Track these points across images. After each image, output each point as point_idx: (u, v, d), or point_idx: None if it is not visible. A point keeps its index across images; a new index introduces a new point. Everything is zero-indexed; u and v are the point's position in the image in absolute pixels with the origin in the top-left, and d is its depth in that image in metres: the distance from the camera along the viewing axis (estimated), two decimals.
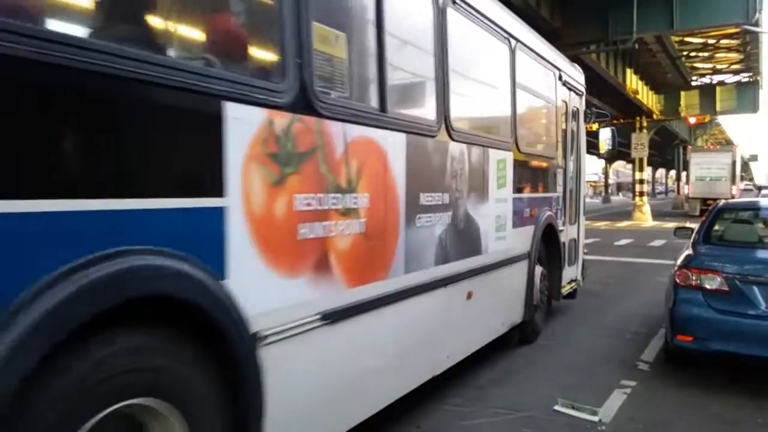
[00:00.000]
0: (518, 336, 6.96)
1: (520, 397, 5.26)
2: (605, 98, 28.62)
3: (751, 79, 35.29)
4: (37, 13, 2.18)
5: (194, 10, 2.86)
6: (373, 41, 3.75)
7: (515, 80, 6.18)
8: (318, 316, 3.21)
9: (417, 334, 4.38)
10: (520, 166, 6.26)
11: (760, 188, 48.09)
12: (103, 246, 2.12)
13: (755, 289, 5.44)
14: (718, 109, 35.03)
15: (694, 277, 5.69)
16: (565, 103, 8.17)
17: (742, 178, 47.10)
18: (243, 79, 2.78)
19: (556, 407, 5.02)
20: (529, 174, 6.76)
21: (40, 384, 1.96)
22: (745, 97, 34.51)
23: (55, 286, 1.96)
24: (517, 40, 6.22)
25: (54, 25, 2.25)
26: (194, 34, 2.90)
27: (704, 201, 30.77)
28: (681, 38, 28.06)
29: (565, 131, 8.16)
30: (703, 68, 35.77)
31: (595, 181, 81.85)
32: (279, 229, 2.96)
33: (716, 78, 37.18)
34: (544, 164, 7.36)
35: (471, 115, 5.59)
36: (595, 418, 4.81)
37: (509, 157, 6.00)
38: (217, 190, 2.59)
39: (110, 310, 2.12)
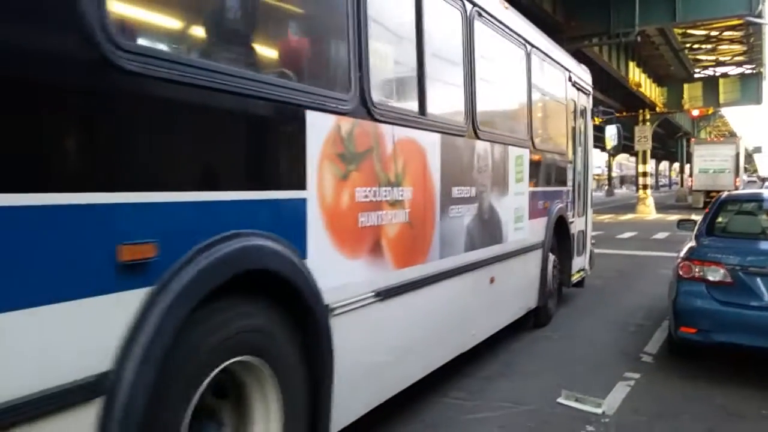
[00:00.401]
0: (533, 320, 7.36)
1: (524, 390, 5.25)
2: (608, 91, 28.52)
3: (754, 71, 35.09)
4: (187, 47, 2.85)
5: (281, 38, 3.49)
6: (413, 54, 4.30)
7: (531, 82, 6.71)
8: (372, 293, 3.71)
9: (448, 313, 4.88)
10: (535, 161, 6.78)
11: (763, 180, 47.98)
12: (223, 229, 2.60)
13: (758, 280, 5.41)
14: (721, 101, 34.88)
15: (697, 269, 5.68)
16: (574, 102, 8.66)
17: (746, 170, 47.00)
18: (319, 91, 3.30)
19: (560, 400, 5.01)
20: (543, 169, 7.22)
21: (186, 334, 2.40)
22: (748, 88, 34.33)
23: (194, 259, 2.43)
24: (532, 46, 6.74)
25: (197, 55, 2.82)
26: (284, 56, 3.43)
27: (707, 193, 30.64)
28: (684, 30, 27.89)
29: (574, 128, 8.62)
30: (707, 60, 35.59)
31: (598, 174, 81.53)
32: (344, 217, 3.47)
33: (719, 70, 36.99)
34: (556, 160, 7.82)
35: (493, 116, 6.04)
36: (599, 411, 4.80)
37: (526, 153, 6.50)
38: (301, 184, 3.11)
39: (231, 279, 2.59)
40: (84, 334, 2.07)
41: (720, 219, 6.72)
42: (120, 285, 2.17)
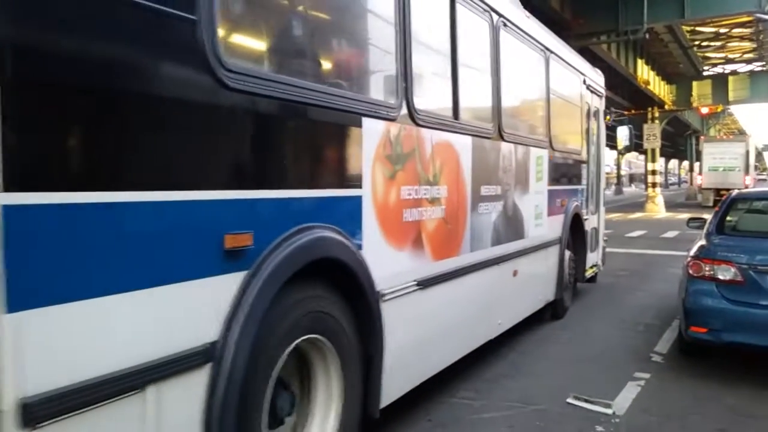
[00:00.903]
0: (550, 312, 7.71)
1: (533, 390, 5.24)
2: (616, 89, 28.43)
3: (764, 68, 34.96)
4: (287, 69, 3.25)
5: (343, 55, 3.88)
6: (448, 63, 4.72)
7: (549, 87, 7.12)
8: (415, 282, 4.12)
9: (477, 303, 5.31)
10: (553, 161, 7.20)
11: None
12: (300, 222, 3.03)
13: None
14: (730, 98, 34.66)
15: (707, 268, 5.64)
16: (588, 104, 9.05)
17: (756, 168, 46.69)
18: (373, 99, 3.81)
19: (570, 400, 4.99)
20: (560, 169, 7.65)
21: (272, 313, 2.81)
22: (758, 86, 34.07)
23: (279, 247, 2.86)
24: (552, 52, 7.16)
25: (281, 73, 3.14)
26: (347, 70, 3.86)
27: (717, 191, 30.46)
28: (692, 28, 27.80)
29: (588, 129, 9.03)
30: (716, 58, 35.44)
31: (607, 173, 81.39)
32: (392, 213, 3.88)
33: (729, 67, 36.83)
34: (572, 160, 8.26)
35: (517, 119, 6.48)
36: (609, 411, 4.78)
37: (545, 154, 6.93)
38: (358, 183, 3.52)
39: (305, 266, 3.00)
40: (199, 309, 2.49)
41: (730, 217, 6.68)
42: (225, 268, 2.60)
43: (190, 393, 2.46)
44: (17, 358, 1.86)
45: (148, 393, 2.24)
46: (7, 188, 1.81)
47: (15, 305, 1.84)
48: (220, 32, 2.56)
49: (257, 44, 3.18)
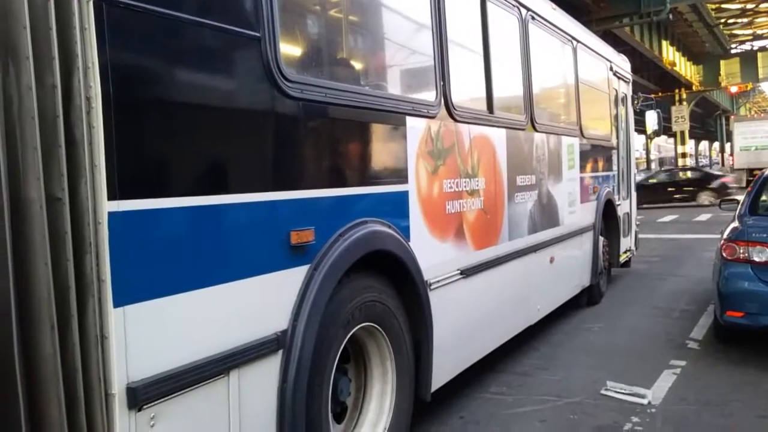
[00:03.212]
0: (587, 297, 7.83)
1: (566, 383, 5.16)
2: (642, 72, 28.06)
3: None
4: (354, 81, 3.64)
5: (386, 56, 4.20)
6: (481, 60, 4.89)
7: (577, 75, 7.28)
8: (458, 271, 4.33)
9: (517, 290, 5.51)
10: (584, 149, 7.36)
11: None
12: (354, 217, 3.26)
13: None
14: (760, 75, 33.98)
15: (741, 250, 5.51)
16: (616, 90, 9.13)
17: None
18: (414, 99, 4.04)
19: (604, 391, 4.90)
20: (591, 156, 7.79)
21: (332, 304, 3.04)
22: None
23: (337, 242, 3.08)
24: (578, 41, 7.34)
25: (336, 80, 3.38)
26: (392, 74, 4.26)
27: (750, 171, 29.87)
28: (717, 5, 27.33)
29: (616, 115, 9.13)
30: (743, 35, 34.80)
31: (636, 158, 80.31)
32: (435, 206, 4.08)
33: (757, 44, 36.13)
34: (602, 146, 8.38)
35: (547, 109, 6.66)
36: (645, 401, 4.69)
37: (576, 142, 7.08)
38: (405, 179, 3.74)
39: (362, 257, 3.23)
40: (271, 301, 2.73)
41: (764, 197, 6.50)
42: (291, 262, 2.83)
43: (265, 378, 2.70)
44: (123, 347, 2.09)
45: (231, 377, 2.49)
46: (111, 197, 2.04)
47: (120, 300, 2.08)
48: (281, 47, 2.78)
49: (312, 56, 3.43)
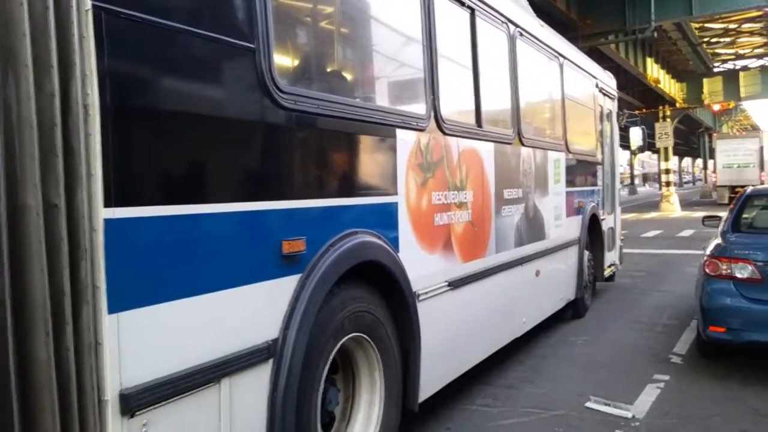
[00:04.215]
0: (572, 311, 7.89)
1: (551, 396, 5.19)
2: (627, 89, 28.33)
3: None
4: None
5: (376, 73, 4.21)
6: (470, 74, 4.96)
7: (564, 91, 7.38)
8: (446, 283, 4.36)
9: (504, 302, 5.54)
10: (570, 164, 7.45)
11: None
12: (344, 228, 3.29)
13: None
14: (742, 94, 34.41)
15: (724, 267, 5.58)
16: (601, 106, 9.28)
17: None
18: (405, 111, 4.05)
19: (588, 404, 4.95)
20: (577, 170, 7.88)
21: (323, 313, 3.07)
22: None
23: (327, 252, 3.11)
24: (565, 58, 7.44)
25: (329, 92, 3.39)
26: (383, 87, 4.25)
27: (732, 188, 30.22)
28: (701, 24, 27.67)
29: (602, 131, 9.25)
30: (726, 54, 35.21)
31: (621, 173, 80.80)
32: (424, 218, 4.12)
33: (739, 63, 36.56)
34: (588, 162, 8.49)
35: (534, 124, 6.75)
36: (629, 414, 4.73)
37: (562, 156, 7.17)
38: (395, 190, 3.78)
39: (352, 267, 3.26)
40: (263, 310, 2.75)
41: (746, 214, 6.59)
42: (283, 272, 2.86)
43: (256, 386, 2.72)
44: (117, 354, 2.10)
45: (222, 385, 2.50)
46: (107, 204, 2.07)
47: (115, 307, 2.09)
48: (275, 58, 2.83)
49: (305, 67, 3.48)
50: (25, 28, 1.92)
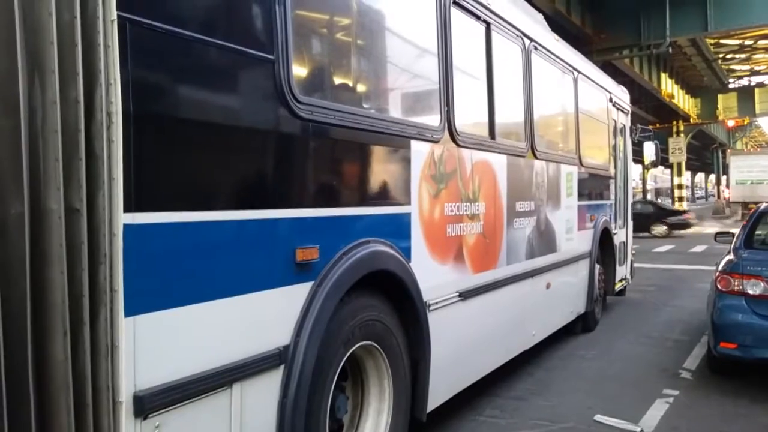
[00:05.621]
0: (581, 324, 7.85)
1: (560, 408, 5.18)
2: (640, 103, 28.29)
3: None
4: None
5: (392, 85, 4.27)
6: (485, 87, 5.02)
7: (578, 105, 7.41)
8: (457, 294, 4.37)
9: (514, 314, 5.55)
10: (582, 177, 7.47)
11: None
12: (357, 237, 3.32)
13: None
14: (757, 111, 34.34)
15: (736, 283, 5.57)
16: (615, 120, 9.29)
17: None
18: (419, 123, 4.07)
19: (597, 418, 4.93)
20: (589, 184, 7.90)
21: (334, 321, 3.09)
22: None
23: (340, 260, 3.14)
24: (579, 72, 7.48)
25: (346, 103, 3.46)
26: (398, 99, 4.32)
27: (746, 205, 30.06)
28: (716, 40, 27.62)
29: (615, 145, 9.27)
30: (741, 70, 35.12)
31: (633, 187, 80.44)
32: (436, 228, 4.15)
33: (755, 79, 36.46)
34: (600, 175, 8.49)
35: (548, 137, 6.76)
36: (637, 429, 4.72)
37: (575, 170, 7.21)
38: (408, 201, 3.82)
39: (364, 276, 3.28)
40: (275, 316, 2.78)
41: (759, 231, 6.56)
42: (296, 279, 2.89)
43: (266, 392, 2.74)
44: (132, 356, 2.14)
45: (233, 390, 2.54)
46: (127, 209, 2.11)
47: (131, 310, 2.13)
48: (294, 69, 2.87)
49: (323, 79, 3.53)
50: (53, 36, 1.97)
